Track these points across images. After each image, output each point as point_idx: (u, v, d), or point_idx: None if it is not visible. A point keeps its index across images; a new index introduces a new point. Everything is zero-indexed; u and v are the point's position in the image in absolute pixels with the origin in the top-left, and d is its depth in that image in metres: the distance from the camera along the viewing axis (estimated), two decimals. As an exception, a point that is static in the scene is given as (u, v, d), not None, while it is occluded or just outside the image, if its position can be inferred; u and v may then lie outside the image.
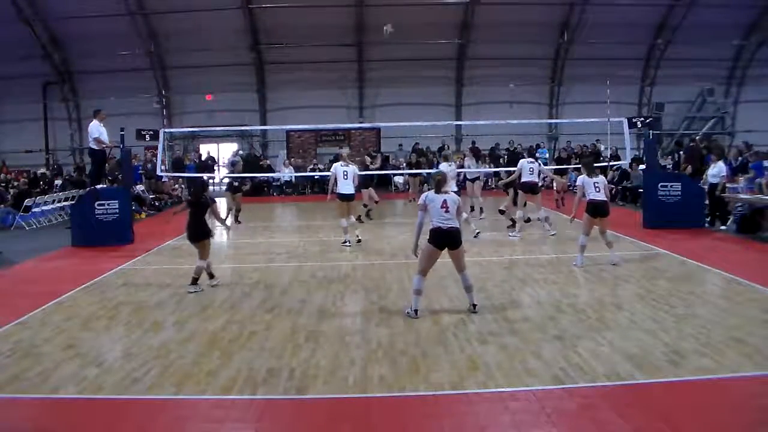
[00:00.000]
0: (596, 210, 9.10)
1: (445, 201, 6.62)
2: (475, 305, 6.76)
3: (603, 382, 4.77)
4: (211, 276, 8.30)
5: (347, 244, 11.14)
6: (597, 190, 9.12)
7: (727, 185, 12.90)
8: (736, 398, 4.59)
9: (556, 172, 16.94)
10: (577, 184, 9.29)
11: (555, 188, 17.16)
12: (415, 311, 6.61)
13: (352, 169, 11.50)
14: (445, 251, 6.64)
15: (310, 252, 10.98)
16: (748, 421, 4.22)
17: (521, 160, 12.38)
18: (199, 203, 8.09)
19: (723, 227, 12.31)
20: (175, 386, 4.87)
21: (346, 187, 11.21)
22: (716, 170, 12.78)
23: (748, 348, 5.38)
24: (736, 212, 12.40)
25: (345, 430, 4.22)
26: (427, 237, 6.68)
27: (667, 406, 4.39)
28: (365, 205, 14.70)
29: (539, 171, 12.19)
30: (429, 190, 7.01)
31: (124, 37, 23.16)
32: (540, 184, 12.49)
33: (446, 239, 6.58)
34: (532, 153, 13.93)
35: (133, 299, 7.70)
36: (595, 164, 18.57)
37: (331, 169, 11.84)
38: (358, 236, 11.42)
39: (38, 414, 4.61)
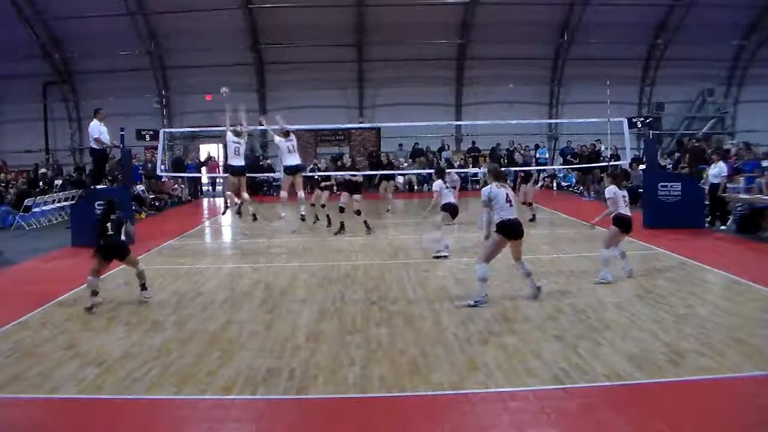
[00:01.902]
0: (628, 226, 8.38)
1: (507, 195, 7.00)
2: (539, 287, 7.14)
3: (603, 382, 4.77)
4: (144, 287, 7.58)
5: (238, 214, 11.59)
6: (626, 203, 8.45)
7: (727, 185, 12.93)
8: (736, 398, 4.59)
9: (524, 179, 14.37)
10: (608, 196, 8.46)
11: (524, 199, 13.90)
12: (485, 295, 6.99)
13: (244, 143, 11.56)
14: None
15: (310, 252, 10.97)
16: (748, 421, 4.22)
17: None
18: (111, 220, 7.46)
19: (723, 227, 12.32)
20: (175, 386, 4.87)
21: (238, 160, 11.33)
22: (717, 170, 12.73)
23: (748, 348, 5.38)
24: (736, 212, 12.42)
25: (345, 430, 4.22)
26: (495, 229, 7.06)
27: (667, 406, 4.39)
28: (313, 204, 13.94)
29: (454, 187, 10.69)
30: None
31: (124, 37, 23.16)
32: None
33: (517, 230, 6.97)
34: (441, 169, 11.06)
35: (133, 299, 7.69)
36: (595, 164, 18.90)
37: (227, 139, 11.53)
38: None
39: (38, 414, 4.60)
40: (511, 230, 6.94)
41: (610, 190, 8.51)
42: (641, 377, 4.84)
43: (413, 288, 7.95)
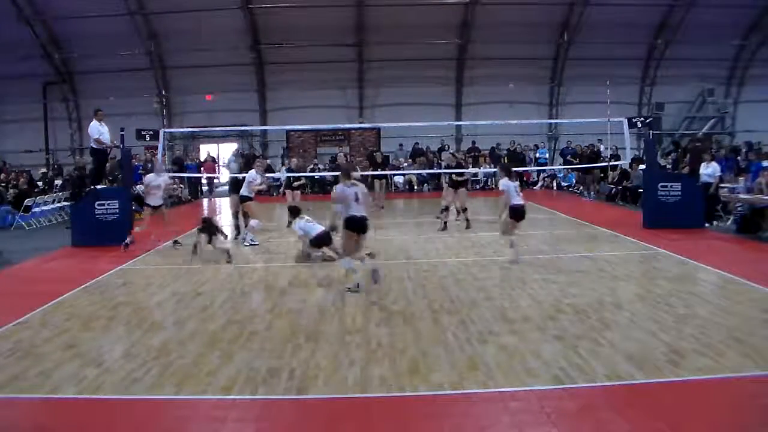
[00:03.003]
0: (520, 214, 9.31)
1: (356, 193, 7.68)
2: (358, 285, 7.71)
3: (603, 382, 4.77)
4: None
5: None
6: (518, 193, 9.37)
7: (727, 185, 13.00)
8: (736, 398, 4.59)
9: (457, 184, 13.13)
10: (501, 188, 9.52)
11: (461, 204, 13.22)
12: (357, 285, 7.69)
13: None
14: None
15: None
16: (748, 421, 4.22)
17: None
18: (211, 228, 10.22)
19: (714, 223, 12.39)
20: (175, 386, 4.87)
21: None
22: (710, 170, 13.09)
23: (748, 348, 5.38)
24: (736, 212, 12.43)
25: (345, 430, 4.22)
26: (344, 225, 7.75)
27: (667, 406, 4.39)
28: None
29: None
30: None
31: (124, 37, 23.18)
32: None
33: (361, 225, 7.72)
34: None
35: (133, 299, 7.70)
36: (595, 164, 18.91)
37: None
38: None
39: (38, 414, 4.60)
40: (356, 225, 7.67)
41: (503, 183, 9.47)
42: (641, 377, 4.83)
43: (413, 288, 7.95)
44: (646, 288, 7.67)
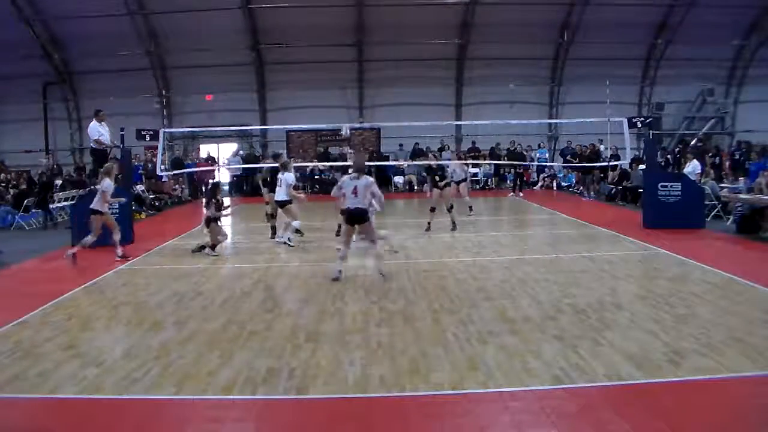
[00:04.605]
0: (348, 217, 10.14)
1: (355, 187, 8.32)
2: (382, 273, 8.36)
3: (603, 382, 4.77)
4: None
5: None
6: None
7: (728, 185, 13.09)
8: (736, 398, 4.59)
9: (435, 183, 13.11)
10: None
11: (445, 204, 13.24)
12: (340, 271, 8.39)
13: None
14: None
15: (310, 252, 10.96)
16: (748, 421, 4.22)
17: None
18: None
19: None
20: (175, 386, 4.86)
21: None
22: (691, 168, 13.93)
23: (748, 348, 5.38)
24: (736, 212, 12.44)
25: (345, 430, 4.21)
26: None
27: (667, 406, 4.38)
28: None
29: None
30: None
31: (124, 37, 23.18)
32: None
33: (352, 217, 8.40)
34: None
35: (133, 299, 7.70)
36: (595, 164, 18.92)
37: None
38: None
39: (38, 414, 4.60)
40: (348, 216, 8.41)
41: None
42: (641, 377, 4.83)
43: (413, 288, 7.95)
44: (646, 288, 7.67)
